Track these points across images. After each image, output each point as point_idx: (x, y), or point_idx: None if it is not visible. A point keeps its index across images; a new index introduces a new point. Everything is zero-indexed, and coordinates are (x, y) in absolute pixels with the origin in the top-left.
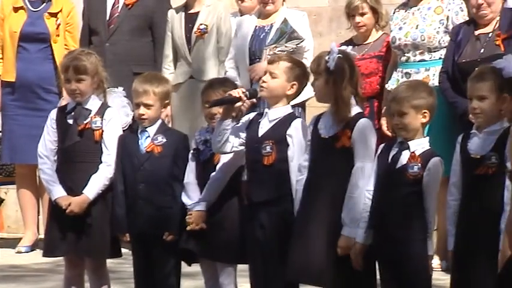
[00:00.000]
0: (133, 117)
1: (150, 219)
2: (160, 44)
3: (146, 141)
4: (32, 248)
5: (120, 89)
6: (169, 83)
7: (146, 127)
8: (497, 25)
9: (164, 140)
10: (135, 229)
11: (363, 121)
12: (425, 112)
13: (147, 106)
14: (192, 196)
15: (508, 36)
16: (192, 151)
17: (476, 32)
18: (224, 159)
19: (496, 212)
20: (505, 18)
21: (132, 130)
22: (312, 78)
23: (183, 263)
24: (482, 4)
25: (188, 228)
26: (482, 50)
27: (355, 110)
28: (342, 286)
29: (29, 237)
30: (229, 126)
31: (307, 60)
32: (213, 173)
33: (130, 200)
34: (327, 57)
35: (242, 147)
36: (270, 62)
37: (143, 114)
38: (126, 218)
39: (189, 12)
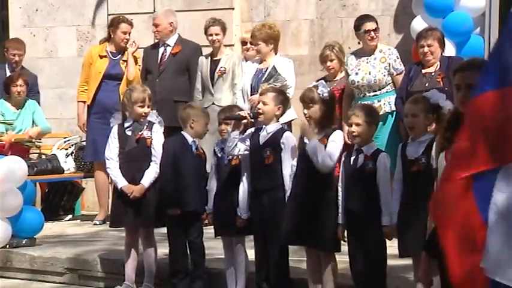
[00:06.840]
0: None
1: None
2: (193, 81)
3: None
4: (104, 221)
5: (154, 111)
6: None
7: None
8: (438, 67)
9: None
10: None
11: (337, 131)
12: (374, 126)
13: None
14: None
15: (445, 75)
16: (213, 160)
17: (424, 71)
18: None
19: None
20: (443, 62)
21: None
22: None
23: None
24: (427, 52)
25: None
26: (427, 84)
27: None
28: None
29: (102, 214)
30: (237, 135)
31: (290, 95)
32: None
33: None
34: (319, 90)
35: (246, 152)
36: (261, 94)
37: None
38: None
39: (214, 59)
